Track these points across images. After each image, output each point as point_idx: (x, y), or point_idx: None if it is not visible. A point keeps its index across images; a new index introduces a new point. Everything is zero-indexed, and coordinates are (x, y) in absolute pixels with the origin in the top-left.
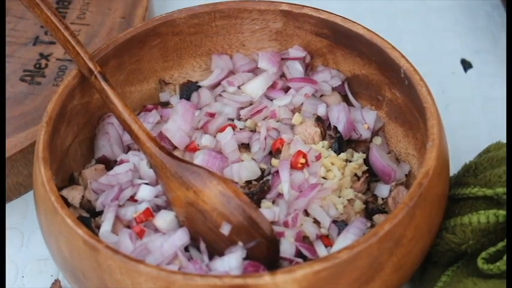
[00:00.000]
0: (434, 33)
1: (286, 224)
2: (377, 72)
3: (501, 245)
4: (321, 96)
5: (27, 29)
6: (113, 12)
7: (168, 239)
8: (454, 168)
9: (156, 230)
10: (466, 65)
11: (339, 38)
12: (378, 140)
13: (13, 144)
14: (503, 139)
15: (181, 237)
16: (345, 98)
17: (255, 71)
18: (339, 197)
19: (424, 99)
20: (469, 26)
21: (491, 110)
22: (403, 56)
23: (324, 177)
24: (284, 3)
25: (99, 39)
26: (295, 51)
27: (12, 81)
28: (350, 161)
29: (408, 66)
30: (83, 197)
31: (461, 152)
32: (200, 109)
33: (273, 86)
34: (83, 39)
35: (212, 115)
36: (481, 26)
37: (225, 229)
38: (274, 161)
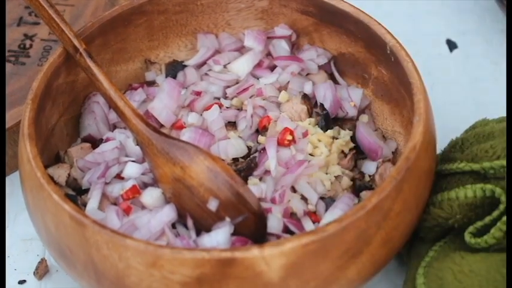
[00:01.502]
0: (420, 14)
1: (273, 201)
2: (363, 50)
3: (488, 219)
4: (307, 74)
5: (11, 9)
6: None
7: (155, 215)
8: (440, 146)
9: (143, 207)
10: (452, 45)
11: (325, 16)
12: (364, 118)
13: None
14: (489, 116)
15: (168, 213)
16: (331, 77)
17: (241, 50)
18: (326, 173)
19: (410, 74)
20: (454, 8)
21: (477, 90)
22: (389, 32)
23: (311, 154)
24: None
25: (84, 20)
26: (281, 30)
27: None
28: (337, 138)
29: (394, 42)
30: (69, 175)
31: (448, 130)
32: (186, 88)
33: (259, 65)
34: (68, 20)
35: (198, 93)
36: (466, 7)
37: (213, 205)
38: (261, 138)
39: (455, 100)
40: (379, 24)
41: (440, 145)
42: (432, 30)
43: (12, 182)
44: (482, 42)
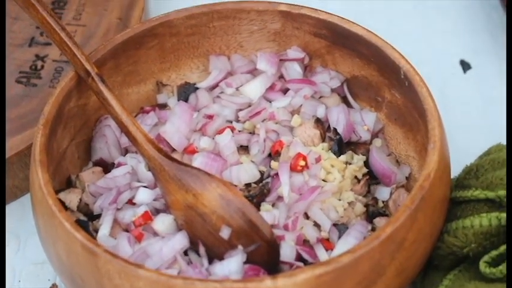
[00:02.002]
0: (433, 34)
1: (286, 227)
2: (376, 73)
3: (503, 248)
4: (320, 97)
5: (23, 29)
6: (109, 13)
7: (167, 242)
8: (454, 170)
9: (155, 234)
10: (465, 66)
11: (338, 39)
12: (377, 142)
13: (9, 146)
14: (504, 140)
15: (180, 240)
16: (344, 100)
17: (253, 72)
18: (339, 199)
19: (424, 100)
20: (468, 27)
21: (491, 111)
22: (402, 57)
23: (323, 180)
24: (282, 3)
25: (95, 41)
26: (294, 52)
27: (8, 83)
28: (350, 163)
29: (408, 67)
30: (80, 200)
31: (461, 153)
32: (198, 111)
33: (271, 88)
34: (79, 41)
35: (210, 117)
36: (480, 27)
37: (225, 233)
38: (273, 164)
39: (470, 122)
40: (393, 48)
41: (455, 169)
42: (446, 50)
43: (23, 205)
44: (496, 62)
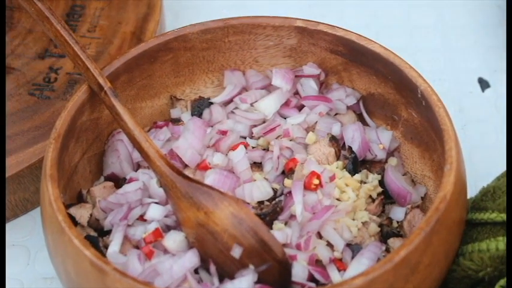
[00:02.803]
0: (452, 51)
1: (298, 247)
2: (393, 92)
3: None
4: (336, 114)
5: (37, 41)
6: (123, 26)
7: (178, 260)
8: (470, 191)
9: (166, 251)
10: (484, 84)
11: (355, 56)
12: (393, 161)
13: (20, 159)
14: None
15: (191, 259)
16: (360, 117)
17: (268, 87)
18: (353, 219)
19: (441, 120)
20: (487, 45)
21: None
22: (420, 76)
23: (338, 199)
24: (299, 19)
25: (110, 53)
26: (310, 69)
27: (21, 95)
28: (365, 182)
29: (426, 86)
30: (91, 215)
31: (479, 174)
32: (212, 126)
33: (286, 104)
34: (93, 53)
35: (224, 133)
36: (499, 44)
37: (236, 252)
38: (287, 181)
39: (487, 142)
40: (410, 66)
41: (472, 190)
42: (465, 67)
43: (33, 219)
44: None
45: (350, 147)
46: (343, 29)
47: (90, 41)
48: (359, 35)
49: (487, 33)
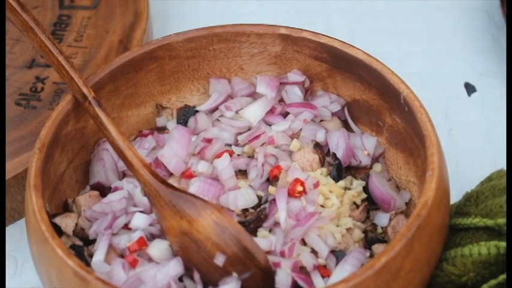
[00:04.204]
0: (438, 55)
1: (282, 254)
2: (377, 98)
3: (502, 277)
4: (321, 121)
5: (24, 51)
6: (110, 35)
7: (162, 269)
8: (456, 196)
9: (150, 260)
10: (470, 88)
11: (338, 63)
12: (378, 167)
13: (7, 169)
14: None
15: (175, 267)
16: (345, 123)
17: (254, 95)
18: (337, 225)
19: (423, 126)
20: (474, 49)
21: (495, 135)
22: (402, 82)
23: (322, 205)
24: (283, 27)
25: (97, 62)
26: (294, 76)
27: (8, 105)
28: (349, 189)
29: (408, 92)
30: (76, 224)
31: (464, 178)
32: (197, 134)
33: (271, 111)
34: (80, 62)
35: (209, 141)
36: (486, 48)
37: (219, 260)
38: (271, 189)
39: (473, 146)
40: (393, 73)
41: (456, 193)
42: (451, 71)
43: (21, 228)
44: (501, 85)
45: (334, 154)
46: (327, 36)
47: (77, 50)
48: (342, 41)
49: (474, 37)
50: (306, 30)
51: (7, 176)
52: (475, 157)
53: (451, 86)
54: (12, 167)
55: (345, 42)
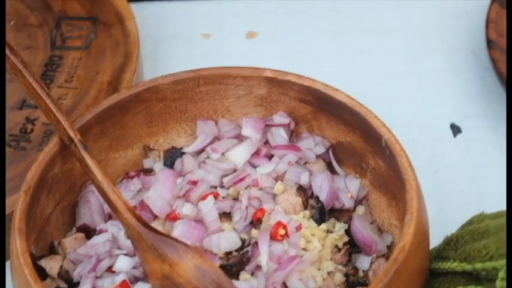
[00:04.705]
0: (426, 96)
1: None
2: (361, 140)
3: None
4: (305, 163)
5: (14, 92)
6: (100, 76)
7: None
8: (440, 239)
9: None
10: (455, 130)
11: (322, 105)
12: (361, 210)
13: None
14: (491, 209)
15: None
16: (330, 165)
17: (240, 136)
18: (319, 269)
19: (404, 170)
20: (460, 89)
21: (480, 177)
22: (384, 125)
23: (304, 249)
24: (268, 69)
25: (86, 103)
26: (280, 118)
27: None
28: (331, 232)
29: (389, 135)
30: (61, 267)
31: (448, 220)
32: (183, 176)
33: (256, 153)
34: (70, 103)
35: (195, 183)
36: (473, 89)
37: None
38: (254, 232)
39: (458, 188)
40: (375, 116)
41: (440, 236)
42: (437, 112)
43: (8, 270)
44: (488, 127)
45: (317, 197)
46: (310, 79)
47: (67, 91)
48: (326, 84)
49: (461, 78)
50: (290, 73)
51: None
52: (459, 198)
53: (437, 127)
54: None
55: (328, 85)
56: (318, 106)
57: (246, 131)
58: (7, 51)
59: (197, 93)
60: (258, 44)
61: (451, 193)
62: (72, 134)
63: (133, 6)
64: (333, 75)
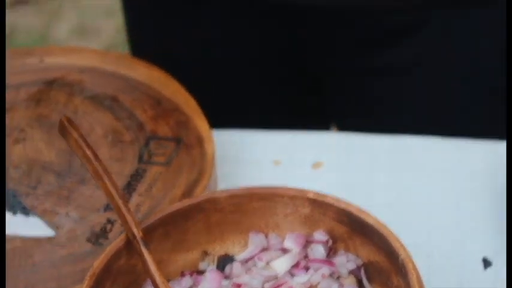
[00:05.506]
0: (461, 229)
1: None
2: (386, 260)
3: None
4: (338, 277)
5: (102, 196)
6: (175, 189)
7: None
8: None
9: None
10: (487, 264)
11: (356, 227)
12: None
13: None
14: None
15: None
16: (361, 282)
17: (284, 249)
18: None
19: (413, 286)
20: (492, 227)
21: None
22: (402, 246)
23: None
24: (311, 191)
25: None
26: (319, 236)
27: (79, 241)
28: None
29: (405, 255)
30: None
31: None
32: (230, 279)
33: (296, 265)
34: (145, 210)
35: (239, 286)
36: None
37: None
38: None
39: None
40: (396, 239)
41: None
42: (470, 244)
43: None
44: None
45: None
46: (346, 202)
47: (145, 200)
48: (358, 208)
49: (492, 215)
50: (329, 195)
51: None
52: None
53: (468, 260)
54: None
55: (360, 209)
56: (351, 227)
57: (288, 244)
58: (92, 158)
59: (250, 208)
60: (322, 173)
61: None
62: (135, 231)
63: (216, 131)
64: (383, 206)
